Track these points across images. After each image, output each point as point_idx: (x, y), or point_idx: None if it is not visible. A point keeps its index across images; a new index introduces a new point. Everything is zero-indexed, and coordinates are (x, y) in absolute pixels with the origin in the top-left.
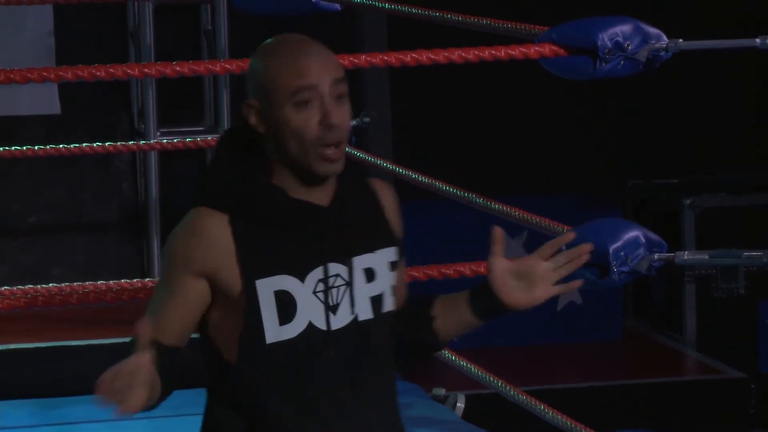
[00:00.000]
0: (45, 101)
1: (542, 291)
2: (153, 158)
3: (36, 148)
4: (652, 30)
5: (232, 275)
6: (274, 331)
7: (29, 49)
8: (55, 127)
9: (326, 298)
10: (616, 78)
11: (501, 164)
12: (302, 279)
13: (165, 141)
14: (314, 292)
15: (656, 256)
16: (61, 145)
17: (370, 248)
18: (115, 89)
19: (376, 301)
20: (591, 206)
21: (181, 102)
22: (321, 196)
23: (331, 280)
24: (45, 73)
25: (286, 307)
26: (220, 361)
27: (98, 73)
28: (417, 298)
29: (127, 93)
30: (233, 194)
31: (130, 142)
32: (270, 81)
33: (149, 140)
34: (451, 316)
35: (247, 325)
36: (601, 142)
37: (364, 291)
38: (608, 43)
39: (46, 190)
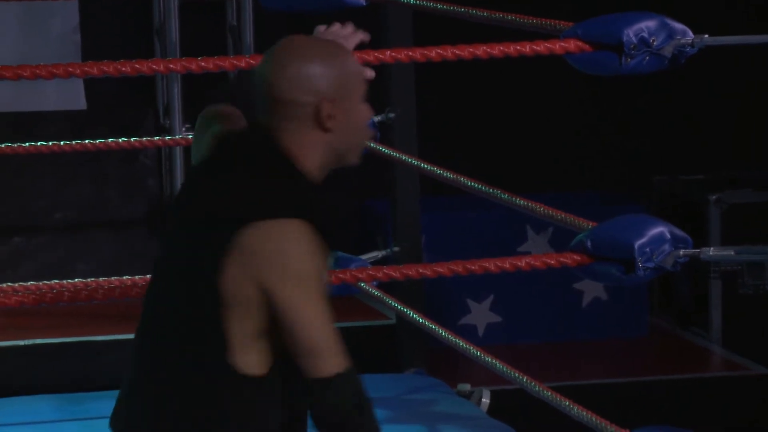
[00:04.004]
0: (70, 97)
1: None
2: (178, 154)
3: (61, 143)
4: (678, 26)
5: None
6: None
7: (55, 45)
8: (80, 123)
9: None
10: (642, 74)
11: (526, 160)
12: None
13: (190, 137)
14: None
15: (681, 252)
16: (86, 141)
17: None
18: (141, 85)
19: None
20: (616, 202)
21: (206, 97)
22: None
23: None
24: (71, 69)
25: None
26: (249, 365)
27: (124, 69)
28: None
29: (152, 89)
30: (307, 204)
31: (156, 138)
32: (348, 79)
33: (174, 136)
34: None
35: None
36: (626, 138)
37: None
38: (633, 38)
39: (71, 186)
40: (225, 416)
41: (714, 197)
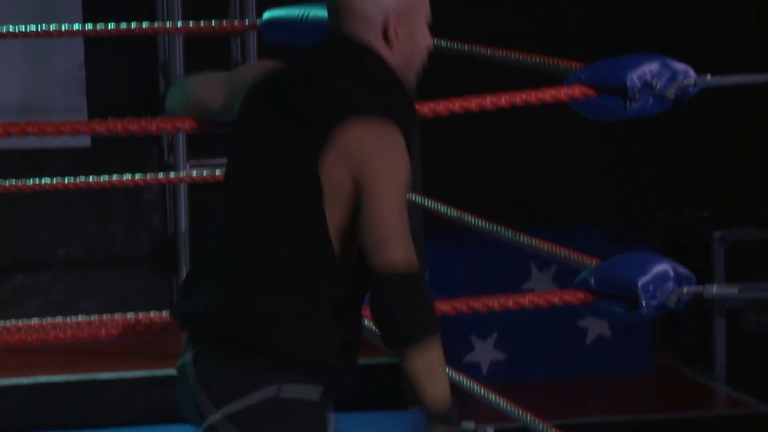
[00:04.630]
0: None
1: None
2: (183, 191)
3: (66, 180)
4: (680, 66)
5: None
6: None
7: (60, 81)
8: (85, 160)
9: None
10: (645, 116)
11: (530, 197)
12: None
13: (195, 173)
14: None
15: (685, 289)
16: (90, 178)
17: None
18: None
19: None
20: (620, 239)
21: (210, 134)
22: None
23: None
24: (78, 126)
25: None
26: (347, 254)
27: (132, 127)
28: None
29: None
30: (402, 106)
31: (160, 175)
32: (415, 3)
33: (179, 173)
34: None
35: None
36: (630, 174)
37: None
38: (637, 82)
39: (76, 223)
40: (322, 300)
41: (718, 234)
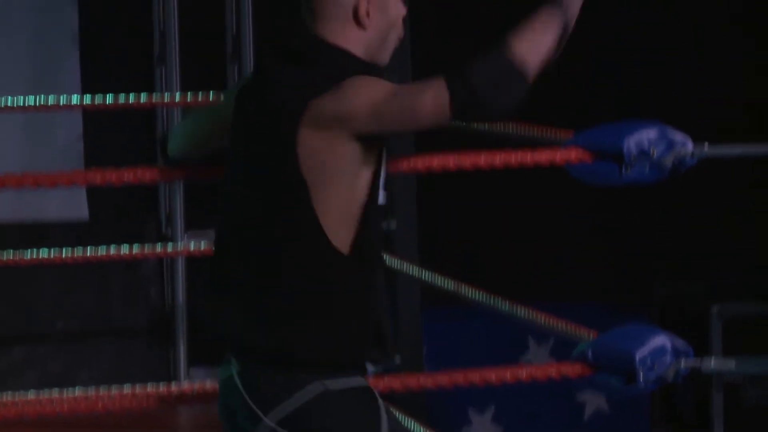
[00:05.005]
0: (73, 206)
1: None
2: (180, 263)
3: (64, 253)
4: (678, 136)
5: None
6: (381, 194)
7: (59, 154)
8: (83, 232)
9: None
10: (642, 184)
11: (527, 269)
12: None
13: (192, 245)
14: None
15: (683, 363)
16: (88, 250)
17: None
18: (143, 194)
19: None
20: (617, 312)
21: (208, 205)
22: None
23: None
24: (73, 176)
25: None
26: (335, 240)
27: (126, 176)
28: None
29: (155, 197)
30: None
31: (158, 247)
32: None
33: (176, 244)
34: None
35: (372, 190)
36: (627, 247)
37: None
38: (634, 149)
39: (73, 296)
40: (334, 295)
41: (716, 308)
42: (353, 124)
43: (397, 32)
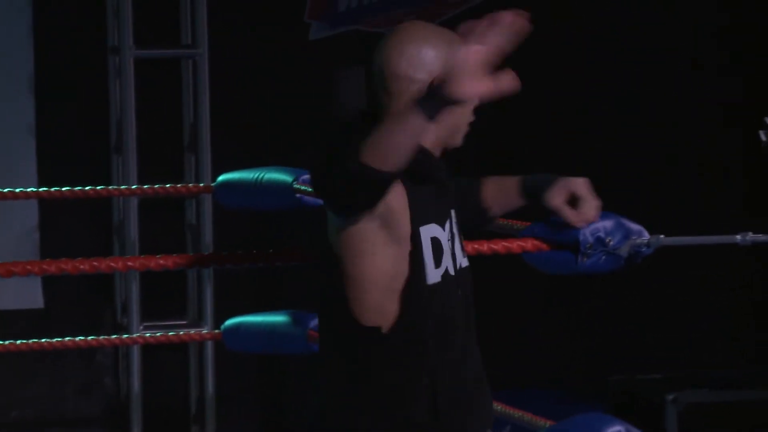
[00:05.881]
0: (28, 295)
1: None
2: (136, 352)
3: (18, 342)
4: (634, 226)
5: (404, 222)
6: (432, 273)
7: (14, 243)
8: (38, 322)
9: (452, 245)
10: (598, 273)
11: (484, 356)
12: (443, 227)
13: (148, 335)
14: (448, 239)
15: None
16: (43, 340)
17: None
18: (99, 283)
19: (464, 250)
20: (574, 401)
21: (164, 295)
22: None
23: (453, 230)
24: (29, 267)
25: (438, 251)
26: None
27: (82, 266)
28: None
29: (110, 286)
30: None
31: (113, 336)
32: (451, 62)
33: (132, 334)
34: (500, 195)
35: (413, 268)
36: (583, 337)
37: (460, 239)
38: (590, 238)
39: (28, 385)
40: (354, 367)
41: (671, 396)
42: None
43: (465, 117)
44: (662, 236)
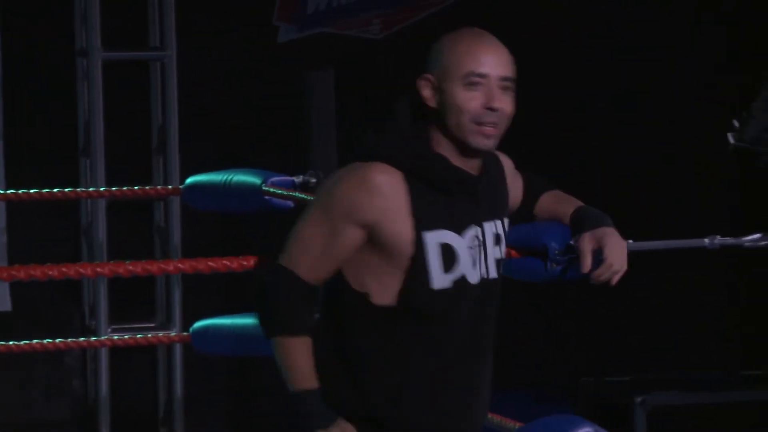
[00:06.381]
0: None
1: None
2: (104, 355)
3: None
4: None
5: (402, 227)
6: (439, 278)
7: None
8: (5, 324)
9: (479, 255)
10: (569, 279)
11: None
12: (462, 235)
13: (116, 337)
14: (469, 248)
15: None
16: (11, 342)
17: (499, 216)
18: (67, 286)
19: (499, 263)
20: (543, 402)
21: (132, 298)
22: (473, 166)
23: (480, 239)
24: None
25: (449, 257)
26: (360, 307)
27: (51, 272)
28: (534, 179)
29: (78, 289)
30: (409, 157)
31: (81, 339)
32: (450, 61)
33: (100, 337)
34: (551, 213)
35: (414, 271)
36: (553, 339)
37: (494, 253)
38: (559, 245)
39: None
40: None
41: (640, 399)
42: None
43: (464, 114)
44: (630, 241)
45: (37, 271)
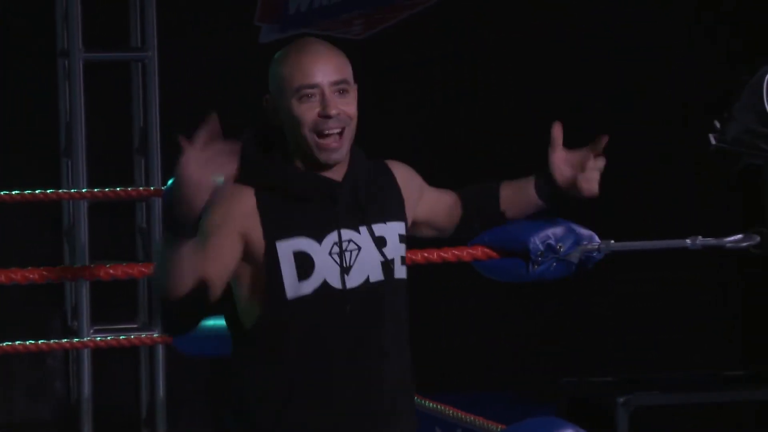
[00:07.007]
0: None
1: (586, 181)
2: (86, 356)
3: None
4: (584, 231)
5: (257, 238)
6: (293, 287)
7: None
8: None
9: (341, 260)
10: (549, 280)
11: (434, 360)
12: (319, 242)
13: (98, 338)
14: (330, 254)
15: None
16: None
17: (382, 219)
18: (49, 287)
19: (386, 266)
20: (525, 404)
21: (115, 299)
22: (334, 173)
23: (344, 244)
24: None
25: (304, 265)
26: (244, 321)
27: (32, 276)
28: (483, 184)
29: (60, 290)
30: (256, 172)
31: (63, 340)
32: (281, 78)
33: (82, 338)
34: (517, 196)
35: (269, 282)
36: (534, 339)
37: (375, 256)
38: (540, 245)
39: None
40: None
41: (622, 399)
42: None
43: (302, 127)
44: (612, 241)
45: (18, 275)
